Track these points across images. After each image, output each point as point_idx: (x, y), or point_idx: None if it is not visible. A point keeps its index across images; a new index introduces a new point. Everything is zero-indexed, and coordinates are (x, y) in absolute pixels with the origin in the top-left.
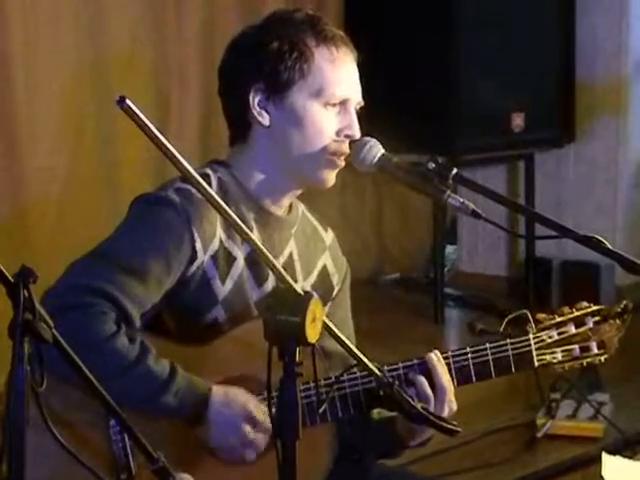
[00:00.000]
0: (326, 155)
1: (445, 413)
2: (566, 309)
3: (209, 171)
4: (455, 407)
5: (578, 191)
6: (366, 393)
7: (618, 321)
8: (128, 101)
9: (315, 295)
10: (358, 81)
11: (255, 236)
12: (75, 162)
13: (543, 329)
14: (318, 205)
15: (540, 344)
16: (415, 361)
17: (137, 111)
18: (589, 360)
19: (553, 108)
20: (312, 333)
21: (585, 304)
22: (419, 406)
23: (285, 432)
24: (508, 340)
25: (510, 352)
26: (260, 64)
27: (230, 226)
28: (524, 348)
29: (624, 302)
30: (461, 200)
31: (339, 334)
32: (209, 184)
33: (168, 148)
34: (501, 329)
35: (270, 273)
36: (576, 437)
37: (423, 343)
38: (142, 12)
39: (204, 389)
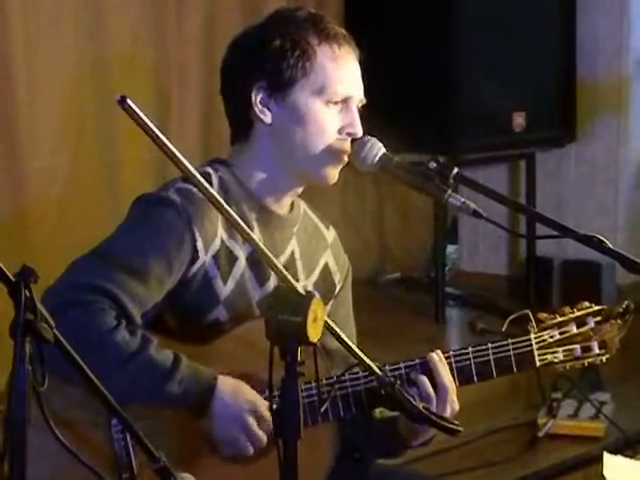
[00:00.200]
0: (328, 153)
1: (447, 413)
2: (567, 309)
3: (210, 170)
4: (457, 407)
5: (579, 190)
6: (368, 393)
7: (619, 321)
8: (129, 101)
9: (316, 295)
10: (360, 79)
11: (256, 235)
12: (76, 162)
13: (544, 329)
14: (319, 204)
15: (541, 344)
16: (417, 361)
17: (138, 111)
18: (590, 360)
19: (554, 108)
20: (313, 333)
21: (586, 304)
22: (420, 406)
23: (286, 432)
24: (509, 340)
25: (512, 352)
26: (262, 62)
27: (231, 226)
28: (525, 348)
29: (625, 302)
30: (462, 200)
31: (341, 334)
32: (210, 183)
33: (169, 148)
34: (503, 329)
35: (272, 272)
36: (577, 436)
37: (424, 342)
38: (143, 12)
39: (209, 378)
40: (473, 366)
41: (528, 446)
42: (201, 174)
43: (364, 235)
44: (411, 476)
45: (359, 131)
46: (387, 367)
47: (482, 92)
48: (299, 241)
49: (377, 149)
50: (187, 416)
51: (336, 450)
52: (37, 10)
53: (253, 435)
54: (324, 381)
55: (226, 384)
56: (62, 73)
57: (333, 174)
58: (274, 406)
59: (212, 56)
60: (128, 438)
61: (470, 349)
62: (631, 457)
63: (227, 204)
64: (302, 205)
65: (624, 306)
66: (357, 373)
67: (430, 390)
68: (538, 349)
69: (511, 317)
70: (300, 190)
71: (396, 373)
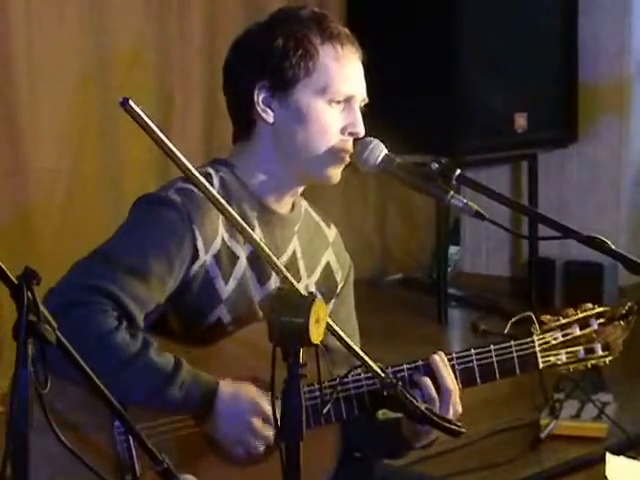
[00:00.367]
0: (331, 152)
1: (450, 415)
2: (570, 310)
3: (211, 170)
4: (460, 409)
5: (581, 191)
6: (370, 394)
7: (623, 323)
8: (131, 102)
9: (319, 296)
10: (363, 79)
11: (258, 234)
12: (79, 163)
13: (547, 331)
14: (321, 205)
15: (544, 346)
16: (420, 362)
17: (140, 112)
18: (594, 362)
19: (556, 109)
20: (316, 334)
21: (589, 306)
22: (423, 407)
23: (289, 433)
24: (512, 342)
25: (514, 354)
26: (265, 61)
27: (232, 225)
28: (528, 350)
29: (629, 304)
30: (464, 201)
31: (343, 335)
32: (211, 183)
33: (171, 149)
34: (505, 331)
35: (273, 272)
36: (580, 437)
37: (426, 343)
38: (145, 13)
39: (211, 382)
40: (476, 368)
41: (531, 447)
42: (202, 174)
43: (366, 236)
44: (415, 476)
45: (362, 131)
46: (390, 369)
47: (484, 93)
48: (301, 240)
49: (379, 150)
50: (188, 420)
51: (340, 452)
52: (40, 11)
53: (259, 433)
54: (326, 383)
55: (227, 386)
56: (65, 74)
57: (335, 174)
58: (277, 408)
59: (214, 56)
60: (131, 440)
61: (473, 351)
62: (634, 458)
63: (228, 204)
64: (303, 204)
65: (627, 307)
66: (359, 374)
67: (433, 392)
68: (541, 351)
69: (513, 319)
70: (302, 189)
71: (399, 375)
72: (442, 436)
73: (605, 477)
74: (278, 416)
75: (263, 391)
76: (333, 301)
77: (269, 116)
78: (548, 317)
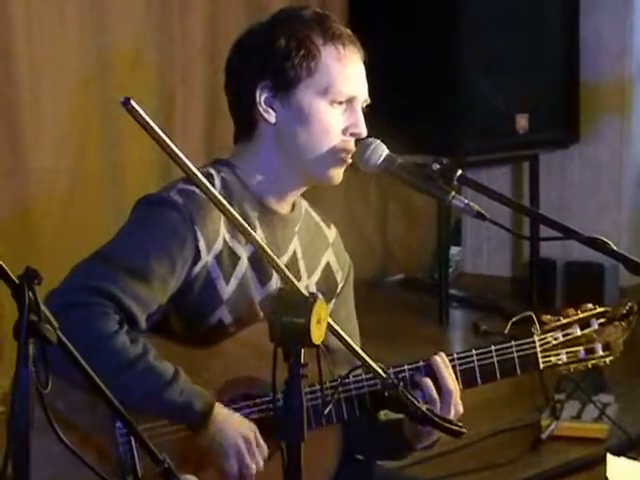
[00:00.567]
0: (332, 153)
1: (451, 415)
2: (571, 311)
3: (212, 171)
4: (461, 409)
5: (582, 192)
6: (371, 395)
7: (623, 323)
8: (133, 102)
9: (320, 296)
10: (365, 79)
11: (259, 235)
12: (80, 163)
13: (548, 331)
14: (322, 206)
15: (545, 346)
16: (421, 363)
17: (142, 112)
18: (594, 362)
19: (557, 109)
20: (317, 334)
21: (590, 306)
22: (424, 407)
23: (290, 434)
24: (513, 342)
25: (515, 354)
26: (267, 61)
27: (234, 226)
28: (529, 350)
29: (629, 304)
30: (466, 201)
31: (344, 335)
32: (212, 184)
33: (172, 149)
34: (506, 331)
35: (274, 272)
36: (581, 438)
37: (427, 344)
38: (147, 12)
39: (208, 396)
40: (477, 368)
41: (531, 448)
42: (203, 175)
43: (367, 236)
44: (415, 479)
45: (363, 131)
46: (391, 369)
47: (486, 94)
48: (301, 240)
49: (381, 150)
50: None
51: (341, 452)
52: (40, 11)
53: (253, 451)
54: (328, 383)
55: (220, 406)
56: (66, 73)
57: (337, 174)
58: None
59: (216, 56)
60: (132, 441)
61: (474, 352)
62: (635, 459)
63: (229, 204)
64: (303, 204)
65: (628, 308)
66: (360, 375)
67: (434, 393)
68: (542, 351)
69: (514, 319)
70: (303, 189)
71: (400, 375)
72: (443, 436)
73: (606, 478)
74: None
75: (260, 394)
76: (333, 301)
77: (271, 116)
78: (549, 317)
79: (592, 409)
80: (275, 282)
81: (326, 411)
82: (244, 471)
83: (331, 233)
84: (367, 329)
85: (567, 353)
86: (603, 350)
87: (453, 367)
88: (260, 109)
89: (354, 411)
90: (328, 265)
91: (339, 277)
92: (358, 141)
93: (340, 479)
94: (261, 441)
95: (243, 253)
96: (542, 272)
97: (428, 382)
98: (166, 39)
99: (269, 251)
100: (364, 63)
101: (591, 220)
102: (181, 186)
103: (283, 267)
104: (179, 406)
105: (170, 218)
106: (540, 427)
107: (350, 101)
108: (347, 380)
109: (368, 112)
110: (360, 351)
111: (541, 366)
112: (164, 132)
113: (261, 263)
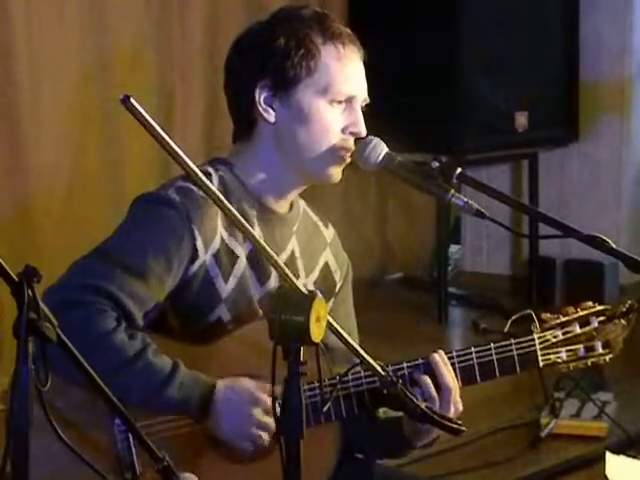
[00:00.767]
0: (332, 152)
1: (451, 413)
2: (571, 309)
3: (210, 169)
4: (461, 407)
5: (582, 190)
6: (370, 392)
7: (623, 321)
8: (132, 100)
9: (319, 294)
10: (364, 78)
11: (257, 234)
12: (79, 160)
13: (548, 329)
14: (321, 204)
15: (545, 344)
16: (420, 361)
17: (141, 110)
18: (594, 360)
19: (557, 107)
20: (316, 332)
21: (590, 304)
22: (423, 405)
23: (289, 432)
24: (512, 340)
25: (515, 352)
26: (266, 61)
27: (232, 224)
28: (529, 348)
29: (629, 302)
30: (465, 199)
31: (343, 333)
32: (210, 182)
33: (172, 147)
34: (505, 329)
35: (273, 271)
36: (580, 436)
37: (426, 342)
38: (146, 11)
39: (208, 382)
40: (476, 366)
41: (531, 446)
42: (201, 173)
43: (367, 235)
44: (414, 477)
45: (363, 130)
46: (390, 367)
47: (485, 92)
48: (299, 240)
49: (380, 149)
50: (188, 419)
51: (340, 450)
52: (40, 10)
53: (261, 423)
54: (327, 381)
55: (224, 382)
56: (66, 72)
57: (336, 173)
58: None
59: (215, 55)
60: (131, 438)
61: (473, 349)
62: (634, 457)
63: (228, 203)
64: (301, 204)
65: (627, 305)
66: (359, 373)
67: (433, 390)
68: (541, 349)
69: (513, 317)
70: (302, 188)
71: (399, 373)
72: (442, 434)
73: (605, 476)
74: (277, 413)
75: (260, 382)
76: (332, 301)
77: (270, 116)
78: (548, 315)
79: (591, 407)
80: (274, 281)
81: (325, 409)
82: (257, 442)
83: (329, 233)
84: (366, 327)
85: (567, 351)
86: (603, 348)
87: (452, 365)
88: (259, 108)
89: (353, 409)
90: (326, 265)
91: (337, 277)
92: (357, 140)
93: (340, 478)
94: (267, 402)
95: (241, 252)
96: (541, 270)
97: (427, 380)
98: (165, 38)
99: (268, 248)
100: (364, 62)
101: (590, 218)
102: (179, 184)
103: (282, 265)
104: (178, 402)
105: (167, 216)
106: (539, 425)
107: (350, 100)
108: (346, 378)
109: (368, 111)
110: (359, 349)
111: (541, 364)
112: (163, 130)
113: (259, 262)
